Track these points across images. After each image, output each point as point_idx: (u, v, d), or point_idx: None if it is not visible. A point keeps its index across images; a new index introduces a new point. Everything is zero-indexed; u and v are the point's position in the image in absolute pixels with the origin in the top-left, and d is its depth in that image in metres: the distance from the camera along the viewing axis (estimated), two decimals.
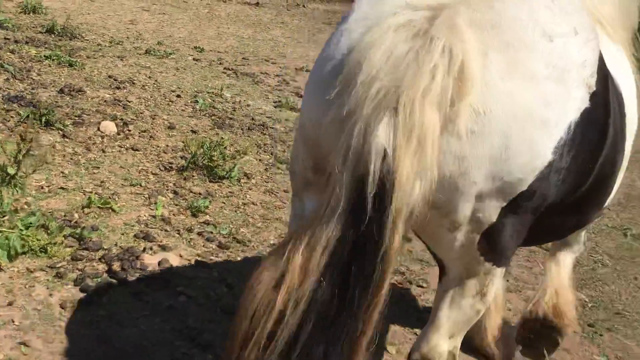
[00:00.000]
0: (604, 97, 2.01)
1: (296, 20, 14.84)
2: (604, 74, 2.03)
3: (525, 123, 1.74)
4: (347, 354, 1.71)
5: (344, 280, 1.68)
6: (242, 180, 5.17)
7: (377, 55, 1.67)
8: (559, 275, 3.40)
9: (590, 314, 4.23)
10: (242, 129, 6.52)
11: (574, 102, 1.84)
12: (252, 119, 7.02)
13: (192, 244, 3.94)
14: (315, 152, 1.92)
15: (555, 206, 1.99)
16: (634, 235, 5.89)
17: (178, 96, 7.11)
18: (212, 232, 4.15)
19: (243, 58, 10.07)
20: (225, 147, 5.56)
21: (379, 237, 1.65)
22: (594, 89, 1.91)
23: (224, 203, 4.69)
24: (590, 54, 1.93)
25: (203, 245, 3.96)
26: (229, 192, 4.90)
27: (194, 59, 9.32)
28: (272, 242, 4.29)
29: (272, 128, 6.89)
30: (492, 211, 1.84)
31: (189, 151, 5.16)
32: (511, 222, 1.89)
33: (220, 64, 9.39)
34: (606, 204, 2.59)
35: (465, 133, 1.71)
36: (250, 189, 5.08)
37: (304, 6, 16.87)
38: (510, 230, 1.91)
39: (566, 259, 3.48)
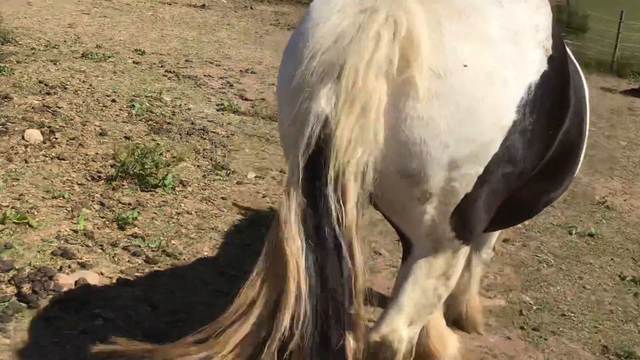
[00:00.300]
0: (563, 64, 2.07)
1: (243, 21, 14.59)
2: (561, 42, 2.09)
3: (486, 83, 1.79)
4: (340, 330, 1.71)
5: (319, 249, 1.71)
6: (177, 189, 4.92)
7: (323, 31, 1.75)
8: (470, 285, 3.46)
9: (535, 317, 4.12)
10: (180, 134, 6.26)
11: (532, 64, 1.90)
12: (192, 123, 6.76)
13: (116, 259, 3.68)
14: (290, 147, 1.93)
15: (525, 175, 2.01)
16: (579, 234, 5.84)
17: (113, 101, 6.80)
18: (139, 246, 3.89)
19: (186, 60, 9.78)
20: (160, 154, 5.30)
21: (326, 203, 1.69)
22: (551, 52, 1.96)
23: (156, 213, 4.44)
24: (542, 18, 1.99)
25: (128, 261, 3.70)
26: (162, 201, 4.65)
27: (133, 62, 8.99)
28: (205, 253, 4.06)
29: (213, 132, 6.65)
30: (467, 180, 1.85)
31: (119, 159, 4.88)
32: (485, 193, 1.89)
33: (161, 66, 9.09)
34: (575, 174, 2.61)
35: (428, 96, 1.74)
36: (185, 198, 4.84)
37: (251, 8, 16.62)
38: (484, 203, 1.92)
39: (477, 269, 3.54)
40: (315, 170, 1.72)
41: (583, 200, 6.77)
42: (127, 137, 5.76)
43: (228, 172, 5.56)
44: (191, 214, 4.58)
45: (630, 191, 7.30)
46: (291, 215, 1.71)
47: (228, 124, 7.13)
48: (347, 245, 1.72)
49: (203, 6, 15.29)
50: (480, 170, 1.84)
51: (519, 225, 5.53)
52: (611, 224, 6.29)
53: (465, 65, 1.76)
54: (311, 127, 1.69)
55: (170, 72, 8.85)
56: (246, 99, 8.47)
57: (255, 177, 5.62)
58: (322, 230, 1.72)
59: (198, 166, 5.56)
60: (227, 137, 6.63)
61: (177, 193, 4.85)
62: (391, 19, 1.73)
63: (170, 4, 14.88)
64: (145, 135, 5.99)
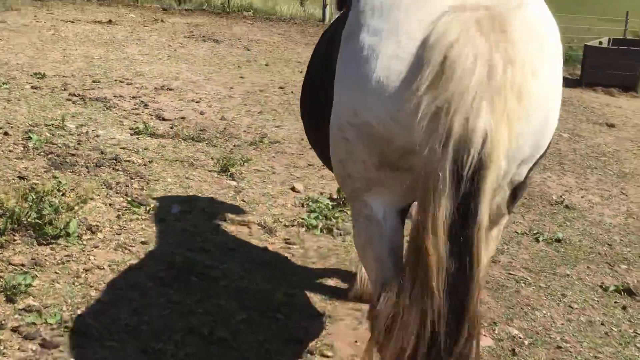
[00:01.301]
0: None
1: (154, 35, 13.60)
2: None
3: (555, 98, 2.13)
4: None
5: (457, 252, 1.85)
6: (84, 237, 4.05)
7: (464, 54, 1.82)
8: None
9: (530, 355, 3.49)
10: (87, 167, 5.35)
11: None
12: (102, 152, 5.86)
13: (0, 350, 2.80)
14: (383, 148, 2.02)
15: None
16: (546, 240, 5.30)
17: (5, 134, 5.82)
18: (34, 324, 3.02)
19: (93, 81, 8.80)
20: (62, 194, 4.41)
21: (476, 214, 1.83)
22: None
23: (57, 273, 3.57)
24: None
25: (18, 349, 2.83)
26: (66, 256, 3.78)
27: (32, 87, 7.97)
28: (123, 322, 3.22)
29: (127, 161, 5.77)
30: (524, 171, 2.16)
31: (7, 206, 3.97)
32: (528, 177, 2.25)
33: (64, 90, 8.09)
34: None
35: (526, 116, 1.94)
36: (95, 248, 3.97)
37: (162, 21, 15.62)
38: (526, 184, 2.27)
39: None
40: (469, 182, 1.83)
41: (541, 202, 6.27)
42: (21, 177, 4.83)
43: (147, 208, 4.72)
44: (103, 268, 3.73)
45: (585, 186, 6.87)
46: (438, 224, 1.82)
47: (145, 149, 6.26)
48: (477, 247, 1.87)
49: (110, 22, 14.20)
50: (532, 164, 2.17)
51: None
52: (575, 226, 5.79)
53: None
54: (474, 148, 1.80)
55: (74, 95, 7.88)
56: (164, 119, 7.59)
57: (181, 211, 4.79)
58: (465, 236, 1.85)
59: (110, 204, 4.68)
60: (145, 165, 5.76)
61: (84, 243, 3.98)
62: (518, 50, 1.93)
63: (73, 22, 13.73)
64: (45, 172, 5.06)
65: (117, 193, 4.92)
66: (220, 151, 6.65)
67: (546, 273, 4.66)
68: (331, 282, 4.00)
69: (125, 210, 4.63)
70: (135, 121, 7.27)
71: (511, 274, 4.51)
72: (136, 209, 4.62)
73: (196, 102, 8.53)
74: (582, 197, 6.54)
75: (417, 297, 1.87)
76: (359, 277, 3.71)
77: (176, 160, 6.06)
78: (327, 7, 18.29)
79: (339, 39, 2.20)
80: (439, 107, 1.81)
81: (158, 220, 4.56)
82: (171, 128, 7.30)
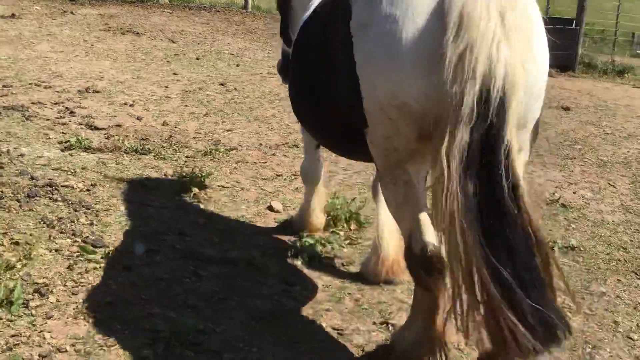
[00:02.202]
0: None
1: (66, 29, 12.24)
2: None
3: (545, 41, 2.40)
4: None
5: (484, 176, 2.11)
6: (32, 304, 3.08)
7: (477, 5, 2.12)
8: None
9: None
10: (18, 200, 4.31)
11: None
12: (32, 177, 4.79)
13: None
14: (421, 123, 2.29)
15: None
16: (561, 249, 4.73)
17: None
18: None
19: (4, 86, 7.56)
20: None
21: (503, 140, 2.09)
22: None
23: None
24: None
25: None
26: (12, 336, 2.81)
27: None
28: None
29: (65, 187, 4.74)
30: (539, 109, 2.45)
31: None
32: None
33: None
34: None
35: (533, 54, 2.27)
36: (49, 318, 3.01)
37: (72, 12, 14.18)
38: None
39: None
40: (485, 109, 2.10)
41: (537, 201, 5.70)
42: None
43: (105, 251, 3.76)
44: (65, 351, 2.79)
45: (572, 180, 6.38)
46: (464, 141, 2.11)
47: (82, 169, 5.23)
48: (509, 168, 2.14)
49: (13, 16, 12.69)
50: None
51: None
52: (580, 228, 5.26)
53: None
54: (500, 81, 2.10)
55: None
56: (96, 128, 6.54)
57: (148, 251, 3.87)
58: (494, 162, 2.12)
59: (57, 250, 3.70)
60: (87, 190, 4.76)
61: (34, 313, 3.01)
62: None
63: None
64: None
65: (61, 233, 3.93)
66: (172, 165, 5.70)
67: (582, 294, 4.06)
68: (360, 339, 3.21)
69: (77, 256, 3.66)
70: (63, 133, 6.20)
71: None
72: (91, 255, 3.66)
73: (130, 106, 7.48)
74: (574, 193, 6.04)
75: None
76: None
77: (123, 181, 5.08)
78: None
79: (342, 29, 2.46)
80: (463, 50, 2.08)
81: (122, 267, 3.62)
82: (107, 138, 6.27)
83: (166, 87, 8.57)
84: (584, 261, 4.63)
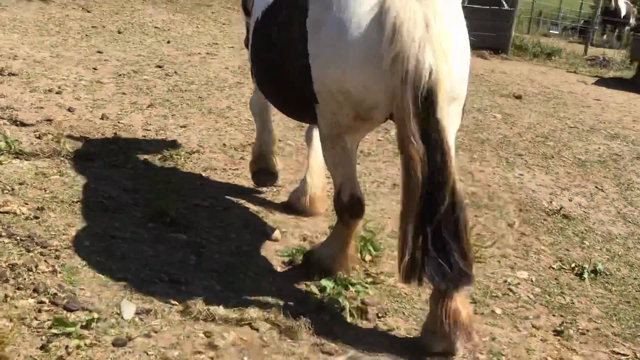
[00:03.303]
0: None
1: None
2: None
3: (465, 37, 2.99)
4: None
5: (430, 149, 2.72)
6: None
7: (407, 16, 2.65)
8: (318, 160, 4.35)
9: None
10: None
11: None
12: None
13: None
14: (359, 106, 2.90)
15: None
16: (590, 276, 4.26)
17: None
18: None
19: None
20: None
21: (438, 120, 2.71)
22: None
23: None
24: None
25: None
26: None
27: None
28: None
29: (7, 213, 3.73)
30: (464, 87, 3.06)
31: None
32: None
33: None
34: None
35: (454, 50, 2.80)
36: None
37: None
38: None
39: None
40: (427, 100, 2.69)
41: (537, 212, 5.23)
42: None
43: (85, 316, 2.86)
44: None
45: (562, 184, 5.96)
46: (413, 128, 2.69)
47: (20, 184, 4.21)
48: (447, 144, 2.77)
49: None
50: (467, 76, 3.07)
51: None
52: (595, 245, 4.83)
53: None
54: (425, 78, 2.67)
55: None
56: (23, 124, 5.42)
57: (139, 314, 2.99)
58: (435, 137, 2.73)
59: (21, 320, 2.76)
60: (36, 217, 3.77)
61: None
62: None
63: None
64: None
65: (18, 289, 2.98)
66: (129, 175, 4.75)
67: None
68: None
69: (50, 328, 2.74)
70: None
71: (616, 353, 3.37)
72: (69, 328, 2.74)
73: (57, 93, 6.34)
74: (570, 201, 5.61)
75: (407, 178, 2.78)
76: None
77: (76, 201, 4.10)
78: None
79: (299, 25, 3.01)
80: (396, 54, 2.65)
81: (112, 341, 2.74)
82: (38, 138, 5.19)
83: (94, 69, 7.41)
84: (617, 289, 4.19)
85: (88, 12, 11.00)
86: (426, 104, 2.68)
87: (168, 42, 9.54)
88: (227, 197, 4.62)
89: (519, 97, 9.36)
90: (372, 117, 2.95)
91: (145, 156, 5.15)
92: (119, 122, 5.86)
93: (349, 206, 3.28)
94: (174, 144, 5.51)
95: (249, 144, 5.76)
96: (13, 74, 6.71)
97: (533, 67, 12.93)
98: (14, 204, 3.86)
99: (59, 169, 4.60)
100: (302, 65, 3.00)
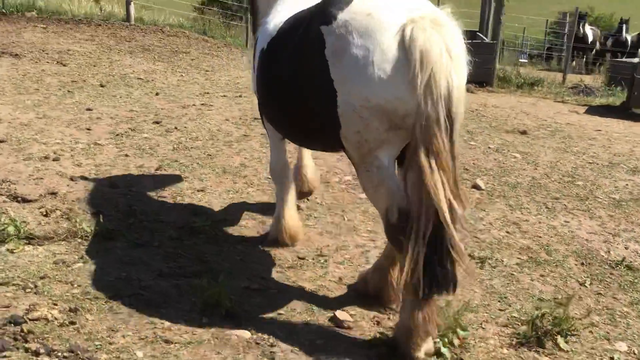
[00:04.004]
0: None
1: None
2: None
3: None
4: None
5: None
6: None
7: (433, 45, 2.90)
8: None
9: None
10: None
11: None
12: None
13: None
14: (391, 117, 3.01)
15: None
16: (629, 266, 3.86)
17: None
18: None
19: None
20: None
21: (455, 133, 3.01)
22: None
23: None
24: None
25: None
26: None
27: None
28: None
29: (37, 320, 3.15)
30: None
31: None
32: None
33: None
34: None
35: (463, 76, 3.13)
36: None
37: None
38: None
39: None
40: (451, 117, 2.97)
41: (600, 265, 4.84)
42: None
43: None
44: None
45: (610, 230, 5.59)
46: (446, 144, 2.96)
47: (42, 278, 3.62)
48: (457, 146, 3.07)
49: None
50: None
51: None
52: None
53: None
54: (454, 101, 2.97)
55: None
56: (25, 200, 4.84)
57: None
58: (452, 147, 3.02)
59: None
60: (72, 323, 3.19)
61: None
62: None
63: None
64: None
65: None
66: (160, 255, 4.19)
67: None
68: None
69: None
70: None
71: None
72: None
73: (54, 160, 5.76)
74: (626, 249, 5.24)
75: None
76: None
77: (112, 296, 3.53)
78: (132, 4, 15.43)
79: (317, 56, 3.13)
80: (429, 78, 2.89)
81: None
82: (45, 216, 4.61)
83: (88, 129, 6.83)
84: None
85: (64, 65, 10.43)
86: (451, 120, 2.97)
87: (157, 94, 9.00)
88: (274, 273, 4.10)
89: (524, 133, 9.07)
90: (407, 125, 3.01)
91: (170, 230, 4.60)
92: (130, 190, 5.29)
93: (401, 225, 3.09)
94: (196, 212, 4.97)
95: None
96: (1, 141, 6.10)
97: (520, 99, 12.75)
98: (43, 307, 3.28)
99: (80, 254, 4.02)
100: (324, 91, 3.11)
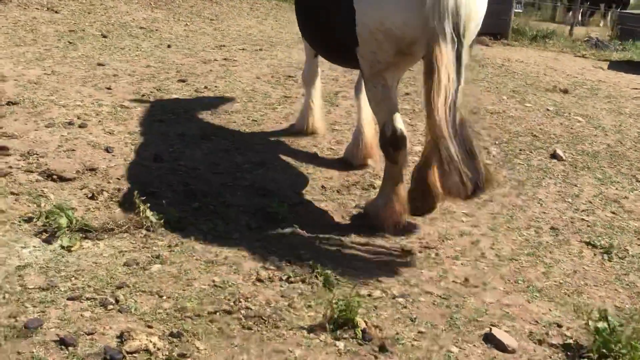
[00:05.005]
0: None
1: None
2: None
3: None
4: None
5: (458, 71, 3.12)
6: None
7: None
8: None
9: None
10: None
11: None
12: (65, 343, 2.41)
13: None
14: (399, 43, 3.27)
15: None
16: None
17: None
18: None
19: None
20: None
21: (463, 49, 3.11)
22: None
23: None
24: None
25: None
26: None
27: None
28: None
29: (135, 354, 2.44)
30: (477, 29, 3.41)
31: None
32: None
33: None
34: None
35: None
36: None
37: None
38: None
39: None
40: (457, 34, 3.06)
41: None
42: None
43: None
44: None
45: None
46: (449, 59, 3.03)
47: (118, 288, 2.91)
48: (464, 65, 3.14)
49: None
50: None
51: None
52: None
53: None
54: (463, 17, 3.07)
55: None
56: (62, 179, 4.13)
57: None
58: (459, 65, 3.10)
59: None
60: (182, 357, 2.49)
61: None
62: None
63: None
64: None
65: None
66: (247, 251, 3.47)
67: None
68: None
69: None
70: (15, 200, 3.68)
71: None
72: None
73: (80, 127, 4.95)
74: None
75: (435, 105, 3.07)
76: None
77: (215, 312, 2.83)
78: None
79: None
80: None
81: None
82: (92, 198, 3.89)
83: (108, 88, 5.97)
84: None
85: (56, 12, 9.39)
86: (459, 35, 3.06)
87: (168, 46, 8.09)
88: (387, 272, 3.42)
89: (566, 92, 8.44)
90: (412, 52, 3.29)
91: (245, 217, 3.88)
92: (178, 165, 4.53)
93: (392, 139, 3.57)
94: (264, 192, 4.25)
95: (355, 184, 4.57)
96: (13, 103, 5.22)
97: (541, 53, 12.10)
98: (138, 334, 2.56)
99: (153, 252, 3.30)
100: (346, 10, 3.35)
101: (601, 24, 21.97)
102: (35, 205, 3.66)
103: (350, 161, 4.78)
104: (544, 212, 4.44)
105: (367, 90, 3.70)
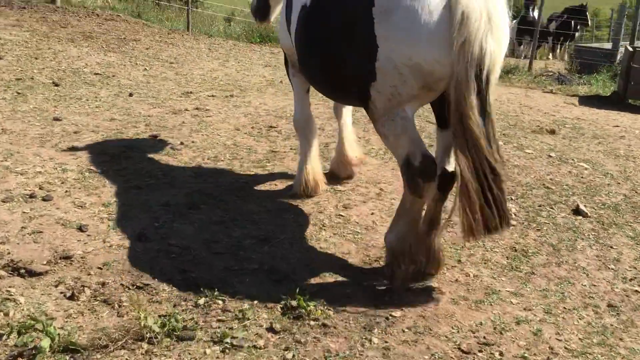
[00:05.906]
0: None
1: None
2: None
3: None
4: None
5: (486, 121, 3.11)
6: None
7: (474, 8, 2.97)
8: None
9: None
10: None
11: None
12: None
13: None
14: (426, 78, 3.16)
15: None
16: None
17: None
18: None
19: None
20: None
21: (488, 96, 3.09)
22: None
23: None
24: None
25: None
26: None
27: None
28: None
29: None
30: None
31: None
32: None
33: None
34: None
35: (503, 41, 3.16)
36: None
37: None
38: None
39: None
40: (479, 81, 3.03)
41: None
42: None
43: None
44: None
45: None
46: (474, 103, 3.02)
47: None
48: (490, 111, 3.11)
49: None
50: None
51: None
52: None
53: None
54: (488, 61, 3.01)
55: None
56: (32, 273, 3.33)
57: None
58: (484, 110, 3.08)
59: None
60: None
61: None
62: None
63: None
64: None
65: None
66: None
67: None
68: None
69: None
70: None
71: None
72: None
73: (44, 200, 4.22)
74: None
75: (465, 146, 3.09)
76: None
77: None
78: None
79: (364, 13, 3.21)
80: (464, 40, 2.97)
81: None
82: (71, 299, 3.21)
83: (71, 149, 5.19)
84: None
85: None
86: (483, 83, 3.04)
87: (130, 94, 7.34)
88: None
89: (553, 132, 8.10)
90: (438, 87, 3.24)
91: (262, 310, 3.18)
92: (168, 243, 3.81)
93: (423, 168, 3.35)
94: (278, 276, 3.56)
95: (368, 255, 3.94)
96: None
97: (510, 90, 11.86)
98: None
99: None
100: (366, 46, 3.22)
101: (550, 57, 22.26)
102: (1, 314, 2.88)
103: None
104: (594, 285, 3.91)
105: (380, 127, 3.44)
